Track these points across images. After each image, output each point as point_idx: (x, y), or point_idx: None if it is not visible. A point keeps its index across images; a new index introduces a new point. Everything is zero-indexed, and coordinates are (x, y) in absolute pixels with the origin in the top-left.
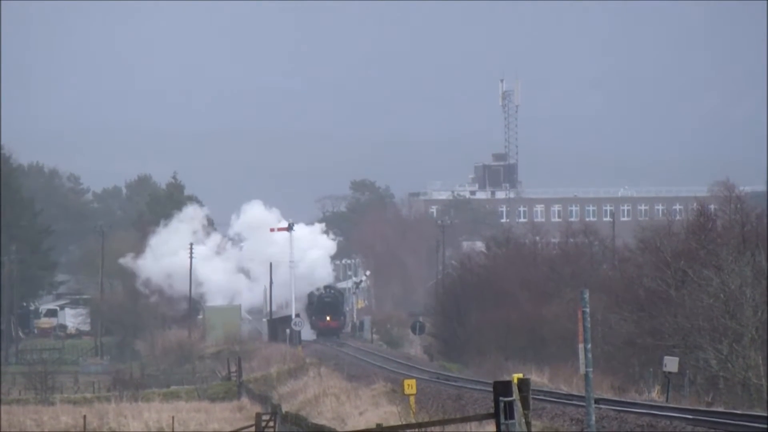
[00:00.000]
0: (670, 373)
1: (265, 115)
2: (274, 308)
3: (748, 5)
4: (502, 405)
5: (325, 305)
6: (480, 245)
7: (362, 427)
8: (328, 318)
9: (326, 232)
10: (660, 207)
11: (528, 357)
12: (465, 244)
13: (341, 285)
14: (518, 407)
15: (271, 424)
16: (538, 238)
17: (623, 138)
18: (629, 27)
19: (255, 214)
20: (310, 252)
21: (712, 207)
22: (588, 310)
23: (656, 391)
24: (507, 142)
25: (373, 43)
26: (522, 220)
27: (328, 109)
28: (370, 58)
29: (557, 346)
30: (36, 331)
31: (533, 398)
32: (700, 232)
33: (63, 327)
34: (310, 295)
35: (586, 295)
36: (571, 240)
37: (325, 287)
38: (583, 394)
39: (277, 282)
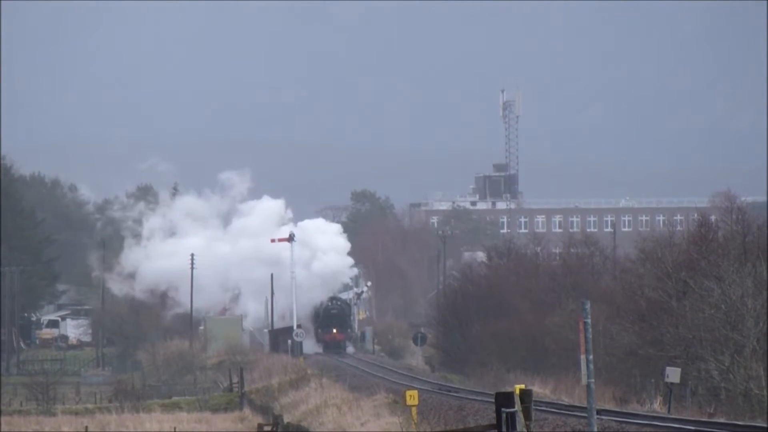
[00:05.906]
0: (672, 383)
1: (265, 126)
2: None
3: (748, 18)
4: (504, 416)
5: (331, 317)
6: (481, 256)
7: None
8: (334, 330)
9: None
10: (661, 217)
11: (530, 368)
12: (466, 255)
13: (343, 296)
14: (520, 418)
15: None
16: (539, 248)
17: (624, 148)
18: (630, 39)
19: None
20: (326, 253)
21: (713, 218)
22: (589, 320)
23: (658, 402)
24: (508, 153)
25: (374, 55)
26: (523, 230)
27: (329, 121)
28: (372, 70)
29: (559, 357)
30: (37, 341)
31: (535, 409)
32: (701, 242)
33: (64, 338)
34: (316, 307)
35: (588, 306)
36: (572, 251)
37: (331, 299)
38: (585, 405)
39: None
